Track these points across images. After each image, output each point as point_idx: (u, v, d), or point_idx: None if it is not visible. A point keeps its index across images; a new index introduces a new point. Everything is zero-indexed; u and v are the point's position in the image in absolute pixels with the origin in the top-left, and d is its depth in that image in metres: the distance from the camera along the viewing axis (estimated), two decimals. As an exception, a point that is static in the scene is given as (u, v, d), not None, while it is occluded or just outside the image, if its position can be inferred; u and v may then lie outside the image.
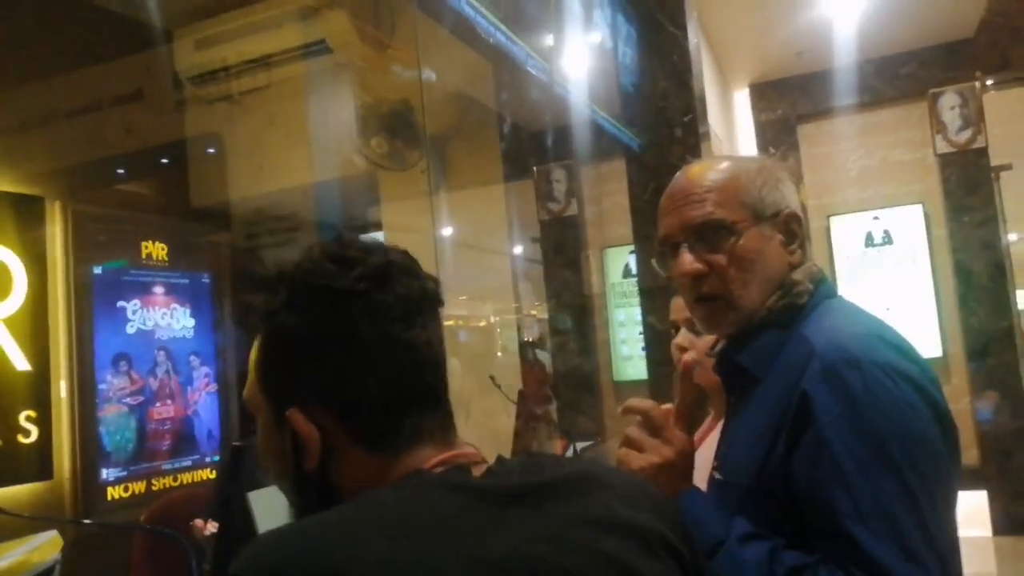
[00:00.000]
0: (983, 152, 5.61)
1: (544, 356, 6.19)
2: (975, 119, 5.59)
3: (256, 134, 4.21)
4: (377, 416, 0.71)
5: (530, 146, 5.88)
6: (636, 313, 5.30)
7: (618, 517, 0.69)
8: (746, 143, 6.08)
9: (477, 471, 0.71)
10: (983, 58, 5.66)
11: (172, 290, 4.37)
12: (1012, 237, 5.97)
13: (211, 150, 4.35)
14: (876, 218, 5.88)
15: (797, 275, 1.10)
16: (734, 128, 5.81)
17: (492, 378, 3.09)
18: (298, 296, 0.71)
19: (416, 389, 0.72)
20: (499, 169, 5.39)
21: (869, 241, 5.90)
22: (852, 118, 5.95)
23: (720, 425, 1.26)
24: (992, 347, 5.49)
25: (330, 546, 0.60)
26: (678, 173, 1.16)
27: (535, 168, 6.09)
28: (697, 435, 1.62)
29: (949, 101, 5.67)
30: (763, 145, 6.15)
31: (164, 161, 4.71)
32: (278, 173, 4.17)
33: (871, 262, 5.88)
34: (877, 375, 0.94)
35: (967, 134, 5.61)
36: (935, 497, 0.92)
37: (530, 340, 6.28)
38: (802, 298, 1.08)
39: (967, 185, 5.63)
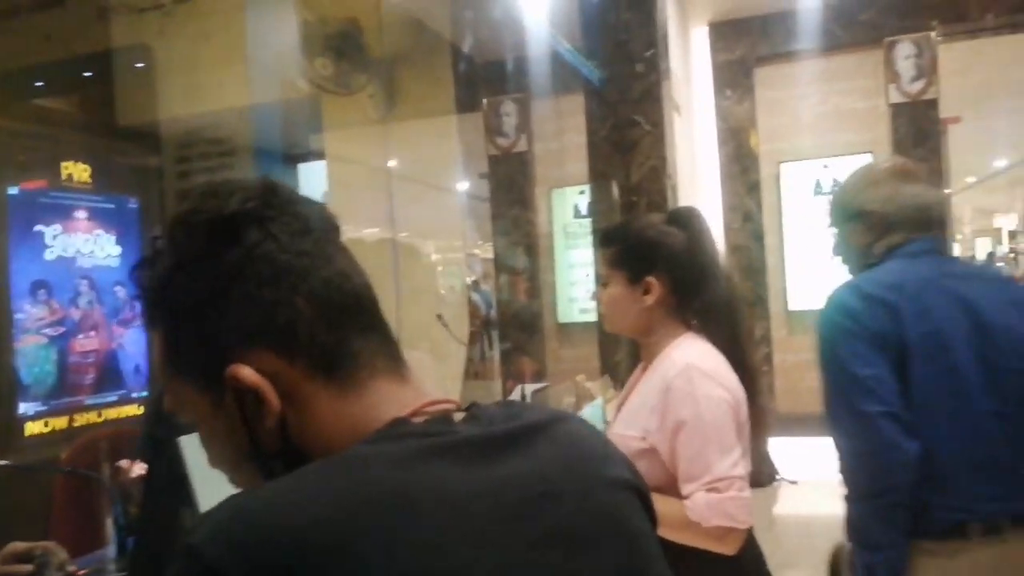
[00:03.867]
0: (933, 104, 5.63)
1: (479, 297, 6.12)
2: (928, 70, 5.59)
3: (190, 49, 3.91)
4: (320, 336, 0.63)
5: (484, 76, 5.66)
6: (586, 255, 5.23)
7: (594, 452, 0.69)
8: (703, 84, 5.97)
9: (458, 418, 0.66)
10: (940, 8, 5.63)
11: (96, 215, 4.09)
12: (948, 191, 6.07)
13: (139, 64, 4.04)
14: (825, 167, 5.89)
15: None
16: (691, 68, 5.67)
17: (440, 317, 2.98)
18: (184, 247, 0.64)
19: (350, 303, 0.65)
20: (450, 99, 5.17)
21: (818, 189, 5.92)
22: (809, 63, 5.89)
23: (645, 374, 1.53)
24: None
25: (315, 522, 0.52)
26: None
27: (485, 100, 5.88)
28: (628, 384, 1.69)
29: (904, 50, 5.65)
30: (720, 87, 6.06)
31: (87, 74, 4.39)
32: (213, 92, 3.90)
33: (820, 210, 5.91)
34: None
35: (920, 84, 5.61)
36: None
37: (472, 280, 6.18)
38: None
39: (916, 136, 5.66)
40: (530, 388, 2.80)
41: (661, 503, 1.36)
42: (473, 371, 5.61)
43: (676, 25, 4.80)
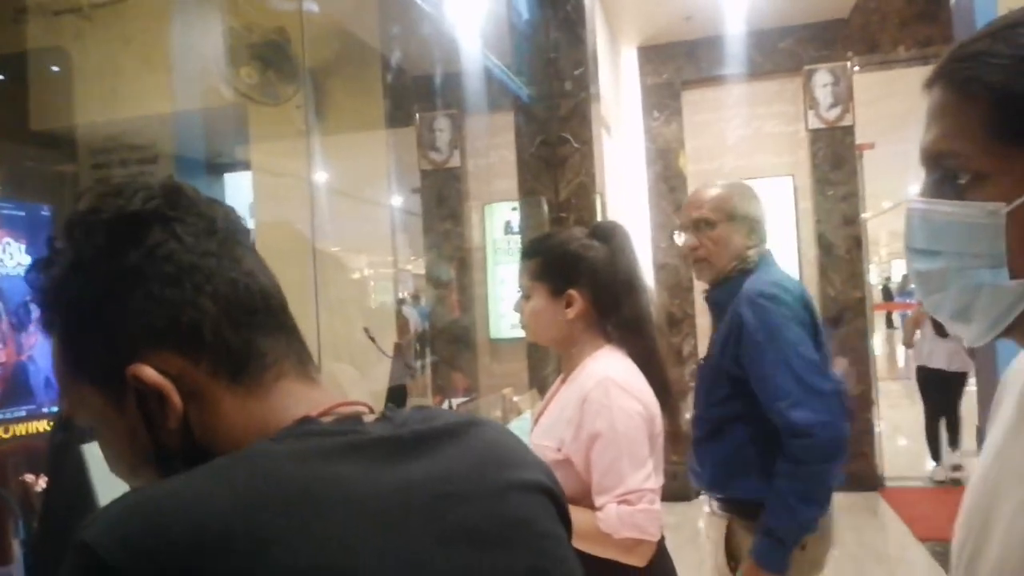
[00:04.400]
0: (849, 130, 5.88)
1: (413, 312, 6.07)
2: (845, 97, 5.84)
3: (109, 53, 3.79)
4: (226, 337, 0.62)
5: (415, 90, 5.65)
6: (516, 271, 5.24)
7: (508, 456, 0.69)
8: (632, 106, 6.09)
9: (369, 420, 0.65)
10: (855, 39, 5.90)
11: (5, 222, 3.90)
12: (865, 215, 6.32)
13: (55, 68, 3.89)
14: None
15: (751, 253, 1.99)
16: (621, 89, 5.79)
17: (366, 330, 2.94)
18: (84, 247, 0.62)
19: (257, 304, 0.64)
20: (380, 113, 5.14)
21: (742, 210, 6.08)
22: (733, 88, 6.09)
23: (564, 385, 1.60)
24: (846, 316, 5.83)
25: (215, 516, 0.51)
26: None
27: (418, 115, 5.87)
28: (547, 395, 1.71)
29: (822, 79, 5.90)
30: (648, 108, 6.20)
31: (0, 78, 4.20)
32: (133, 98, 3.78)
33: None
34: (769, 303, 1.86)
35: (836, 111, 5.86)
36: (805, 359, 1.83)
37: (404, 295, 6.13)
38: (748, 264, 1.98)
39: (833, 161, 5.90)
40: (457, 402, 2.79)
41: (574, 514, 1.38)
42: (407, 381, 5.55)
43: (606, 47, 4.90)
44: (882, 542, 4.69)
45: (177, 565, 0.48)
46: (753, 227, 2.01)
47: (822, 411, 1.77)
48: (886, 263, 23.76)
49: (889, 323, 16.29)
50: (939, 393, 5.98)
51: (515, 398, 3.05)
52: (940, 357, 5.87)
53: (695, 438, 2.02)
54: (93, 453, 1.45)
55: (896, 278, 21.67)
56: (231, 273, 0.63)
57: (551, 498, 0.70)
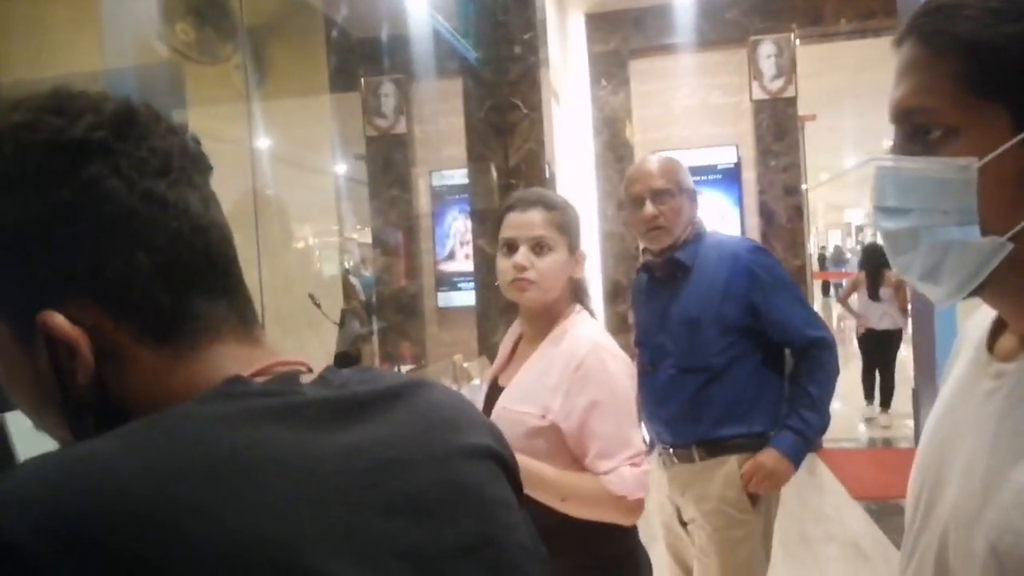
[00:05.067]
0: (792, 102, 5.97)
1: (358, 281, 5.99)
2: (788, 69, 5.92)
3: (35, 8, 3.59)
4: (157, 298, 0.54)
5: (360, 53, 5.52)
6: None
7: (453, 419, 0.65)
8: (579, 74, 6.06)
9: (307, 380, 0.59)
10: (799, 11, 5.97)
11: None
12: (804, 186, 6.46)
13: (-25, 23, 3.66)
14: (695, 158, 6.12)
15: (697, 220, 2.21)
16: (568, 57, 5.75)
17: (312, 296, 2.88)
18: (11, 166, 0.54)
19: (201, 262, 0.57)
20: (324, 77, 5.00)
21: (687, 179, 6.14)
22: (680, 57, 6.11)
23: (539, 349, 1.52)
24: (786, 284, 5.96)
25: (127, 482, 0.45)
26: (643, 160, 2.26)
27: (363, 80, 5.74)
28: (504, 357, 1.66)
29: (767, 50, 5.96)
30: (596, 77, 6.18)
31: (-87, 32, 3.93)
32: (61, 55, 3.59)
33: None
34: (767, 254, 2.22)
35: (780, 83, 5.93)
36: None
37: (351, 264, 6.03)
38: (700, 229, 2.21)
39: (776, 132, 5.98)
40: (405, 369, 2.75)
41: (577, 479, 1.40)
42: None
43: (554, 13, 4.85)
44: (820, 501, 4.86)
45: (87, 538, 0.43)
46: (693, 197, 2.19)
47: (829, 332, 2.12)
48: (823, 234, 24.39)
49: (825, 291, 16.76)
50: (874, 349, 6.76)
51: (464, 364, 3.04)
52: (873, 317, 6.67)
53: (686, 392, 2.09)
54: (17, 421, 1.38)
55: (831, 249, 22.29)
56: (175, 223, 0.55)
57: (499, 462, 0.66)
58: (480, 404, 1.57)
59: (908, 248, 0.68)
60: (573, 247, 1.55)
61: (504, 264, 1.53)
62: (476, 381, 2.94)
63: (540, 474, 1.38)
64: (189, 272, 0.56)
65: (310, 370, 0.62)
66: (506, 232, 1.55)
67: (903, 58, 0.68)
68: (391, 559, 0.53)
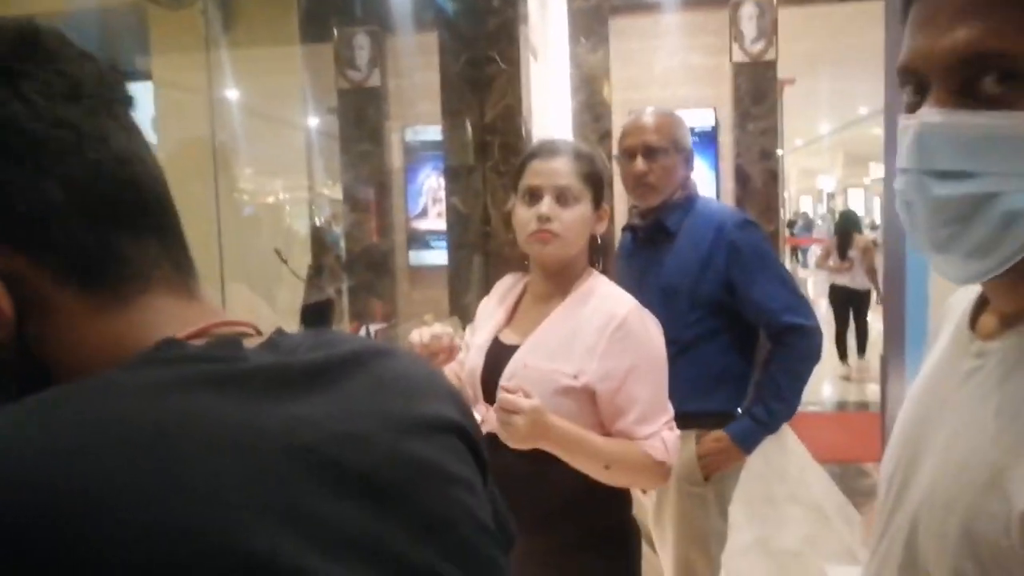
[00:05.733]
0: (772, 65, 5.92)
1: (328, 237, 5.90)
2: (769, 31, 5.85)
3: (-12, -57, 3.40)
4: (76, 235, 0.49)
5: (333, 4, 5.35)
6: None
7: (416, 389, 0.60)
8: (558, 32, 5.94)
9: (251, 344, 0.54)
10: (781, -28, 5.88)
11: None
12: (779, 150, 6.45)
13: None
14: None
15: (689, 182, 2.09)
16: (548, 13, 5.63)
17: (278, 252, 2.81)
18: None
19: (126, 197, 0.52)
20: (294, 27, 4.85)
21: (665, 141, 6.10)
22: (660, 17, 6.01)
23: (563, 307, 1.45)
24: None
25: (31, 465, 0.40)
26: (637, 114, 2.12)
27: (335, 31, 5.58)
28: (506, 312, 1.55)
29: (748, 11, 5.88)
30: (575, 34, 6.06)
31: None
32: (16, -5, 3.42)
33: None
34: (755, 230, 2.07)
35: (760, 45, 5.87)
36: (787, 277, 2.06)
37: (322, 220, 5.94)
38: (690, 192, 2.08)
39: (755, 95, 5.94)
40: (375, 328, 2.71)
41: (622, 446, 1.36)
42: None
43: (534, -35, 4.72)
44: (785, 463, 4.94)
45: None
46: (689, 157, 2.10)
47: (813, 317, 2.01)
48: (795, 199, 24.56)
49: (795, 256, 16.92)
50: (843, 305, 7.28)
51: (436, 325, 2.99)
52: (844, 276, 7.19)
53: None
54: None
55: (801, 215, 22.49)
56: (93, 154, 0.50)
57: (464, 437, 0.61)
58: (478, 362, 1.49)
59: (962, 218, 0.58)
60: (597, 202, 1.46)
61: (526, 214, 1.43)
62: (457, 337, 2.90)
63: (587, 441, 1.33)
64: (112, 207, 0.51)
65: (258, 332, 0.57)
66: (529, 179, 1.45)
67: None
68: (341, 542, 0.48)
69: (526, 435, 1.28)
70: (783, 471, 4.79)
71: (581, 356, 1.36)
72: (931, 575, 0.63)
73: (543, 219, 1.40)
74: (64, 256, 0.49)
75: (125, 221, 0.52)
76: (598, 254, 1.52)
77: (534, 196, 1.43)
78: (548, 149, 1.47)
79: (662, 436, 1.37)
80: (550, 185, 1.42)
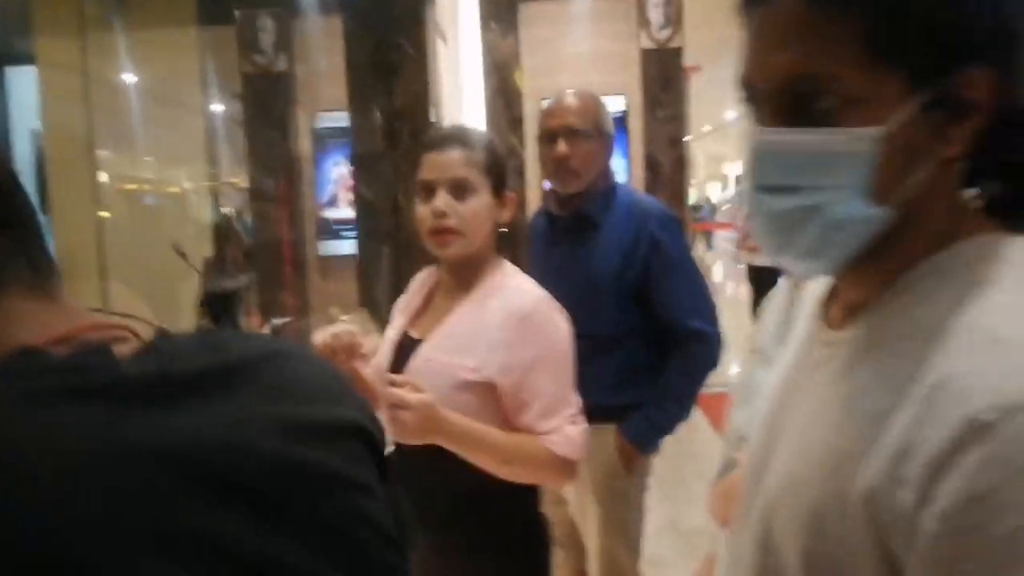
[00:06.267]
0: (679, 52, 6.03)
1: (239, 228, 5.72)
2: (675, 18, 5.96)
3: None
4: None
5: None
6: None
7: (314, 393, 0.57)
8: (468, 16, 5.89)
9: (126, 351, 0.50)
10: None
11: None
12: (687, 137, 6.59)
13: None
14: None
15: (610, 171, 2.05)
16: (457, -3, 5.57)
17: (176, 247, 2.69)
18: None
19: None
20: (192, 7, 4.65)
21: (576, 128, 6.14)
22: (570, 3, 6.04)
23: (471, 300, 1.40)
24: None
25: None
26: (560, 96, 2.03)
27: (237, 12, 5.37)
28: (415, 308, 1.51)
29: (653, -2, 5.97)
30: (485, 19, 6.01)
31: None
32: None
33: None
34: (677, 228, 2.04)
35: (667, 32, 5.97)
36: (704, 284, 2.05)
37: (229, 211, 5.74)
38: (611, 181, 2.04)
39: (662, 82, 6.04)
40: (280, 322, 2.63)
41: (522, 441, 1.32)
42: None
43: (441, -51, 4.65)
44: (692, 442, 5.08)
45: None
46: (611, 143, 2.03)
47: (717, 325, 2.00)
48: (703, 185, 25.25)
49: (704, 240, 17.38)
50: (759, 282, 7.30)
51: (343, 317, 2.93)
52: (758, 258, 7.21)
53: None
54: None
55: (713, 199, 23.16)
56: None
57: (364, 438, 0.59)
58: (385, 357, 1.44)
59: (793, 228, 0.62)
60: (497, 190, 1.41)
61: (422, 211, 1.38)
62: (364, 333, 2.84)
63: (483, 437, 1.29)
64: None
65: (135, 335, 0.53)
66: (423, 173, 1.39)
67: (781, 17, 0.61)
68: (213, 555, 0.45)
69: (415, 430, 1.24)
70: (690, 450, 4.94)
71: (484, 349, 1.33)
72: (784, 552, 0.65)
73: (439, 214, 1.36)
74: None
75: None
76: (507, 242, 1.47)
77: (428, 190, 1.38)
78: (439, 140, 1.42)
79: (565, 431, 1.33)
80: (443, 178, 1.37)
